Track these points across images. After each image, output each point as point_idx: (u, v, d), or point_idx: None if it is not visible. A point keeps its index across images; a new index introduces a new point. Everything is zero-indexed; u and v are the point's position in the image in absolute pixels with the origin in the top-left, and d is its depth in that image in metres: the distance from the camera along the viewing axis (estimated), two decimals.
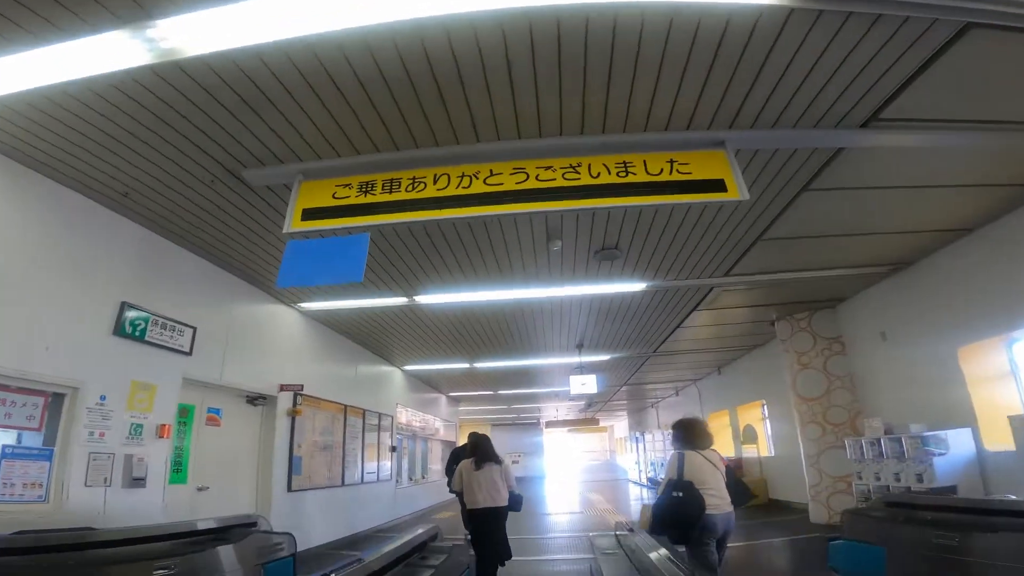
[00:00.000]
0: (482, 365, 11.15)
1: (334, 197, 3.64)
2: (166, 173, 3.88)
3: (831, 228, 5.41)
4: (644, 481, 17.97)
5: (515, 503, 5.18)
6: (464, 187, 3.54)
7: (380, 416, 10.46)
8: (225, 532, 3.09)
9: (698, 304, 7.60)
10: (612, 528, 6.10)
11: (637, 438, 20.63)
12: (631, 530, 2.47)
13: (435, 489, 14.34)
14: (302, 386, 6.88)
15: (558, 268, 5.92)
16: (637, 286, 6.51)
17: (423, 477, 14.53)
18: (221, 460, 5.83)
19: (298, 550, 6.71)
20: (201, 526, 3.02)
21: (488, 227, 4.91)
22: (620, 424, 32.61)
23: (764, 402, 11.36)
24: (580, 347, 9.60)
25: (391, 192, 3.60)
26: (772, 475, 10.85)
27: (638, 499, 14.40)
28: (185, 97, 3.10)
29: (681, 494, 3.24)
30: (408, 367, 11.83)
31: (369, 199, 3.60)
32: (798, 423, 8.17)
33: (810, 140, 3.81)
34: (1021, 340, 5.47)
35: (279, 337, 6.93)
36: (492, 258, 5.61)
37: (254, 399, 6.44)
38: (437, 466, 15.45)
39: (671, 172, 3.50)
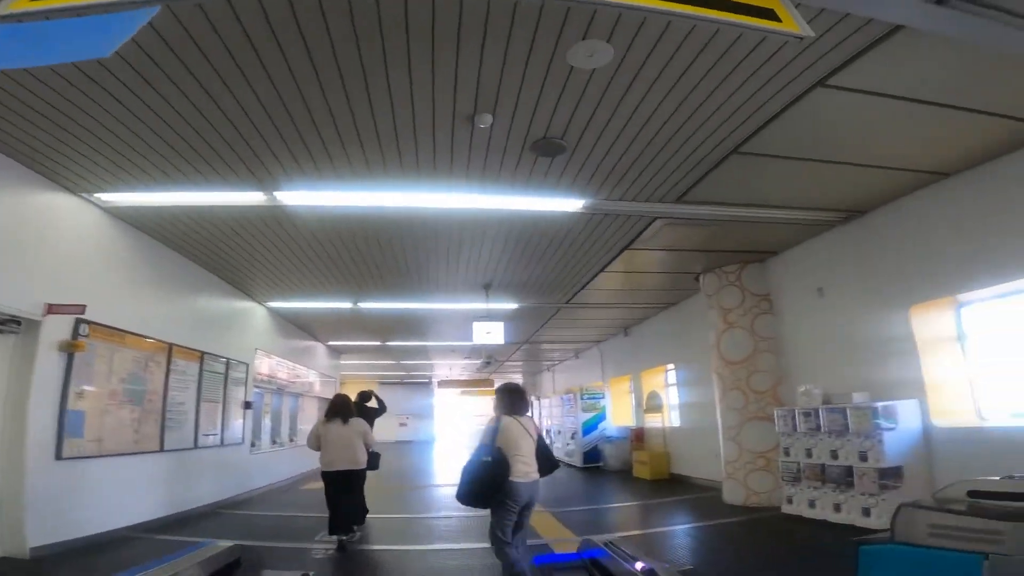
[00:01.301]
0: (369, 306, 9.28)
1: None
2: None
3: (819, 148, 4.44)
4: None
5: (373, 462, 5.34)
6: None
7: (229, 363, 8.26)
8: None
9: (632, 241, 6.44)
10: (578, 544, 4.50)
11: (531, 402, 20.02)
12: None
13: (305, 453, 12.26)
14: (83, 307, 4.64)
15: (480, 161, 4.32)
16: (573, 204, 5.14)
17: (291, 440, 12.41)
18: None
19: (83, 534, 4.77)
20: None
21: (389, 69, 3.16)
22: None
23: (671, 366, 10.79)
24: (488, 288, 8.14)
25: None
26: (676, 448, 10.16)
27: None
28: None
29: (489, 459, 3.34)
30: (274, 303, 9.60)
31: None
32: (718, 389, 7.42)
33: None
34: (970, 304, 4.99)
35: (53, 238, 4.62)
36: (391, 131, 3.86)
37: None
38: (308, 427, 13.33)
39: None
